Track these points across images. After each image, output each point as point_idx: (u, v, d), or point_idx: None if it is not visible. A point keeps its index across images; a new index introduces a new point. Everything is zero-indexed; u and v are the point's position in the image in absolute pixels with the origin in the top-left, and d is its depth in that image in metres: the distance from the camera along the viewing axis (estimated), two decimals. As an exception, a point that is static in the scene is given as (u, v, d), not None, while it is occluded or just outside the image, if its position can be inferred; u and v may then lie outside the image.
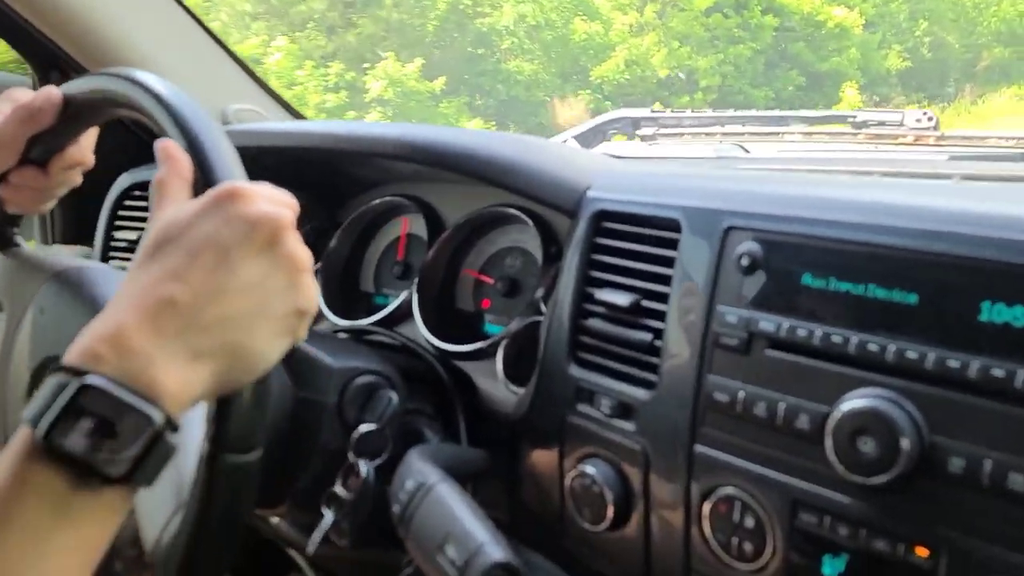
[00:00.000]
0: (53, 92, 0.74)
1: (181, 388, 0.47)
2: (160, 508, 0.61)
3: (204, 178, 0.56)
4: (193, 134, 0.58)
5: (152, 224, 0.53)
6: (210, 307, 0.49)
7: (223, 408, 0.54)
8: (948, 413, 0.54)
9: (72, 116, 0.75)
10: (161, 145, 0.57)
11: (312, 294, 0.55)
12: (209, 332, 0.49)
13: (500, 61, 14.54)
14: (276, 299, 0.52)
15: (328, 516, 0.72)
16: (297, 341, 0.55)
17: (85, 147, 0.82)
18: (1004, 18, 16.52)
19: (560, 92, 14.29)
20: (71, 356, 0.47)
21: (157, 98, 0.62)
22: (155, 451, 0.46)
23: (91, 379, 0.45)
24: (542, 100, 14.21)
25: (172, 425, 0.47)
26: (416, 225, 1.08)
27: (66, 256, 0.92)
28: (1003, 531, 0.51)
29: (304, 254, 0.54)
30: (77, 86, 0.74)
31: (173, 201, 0.54)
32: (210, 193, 0.53)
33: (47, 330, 0.77)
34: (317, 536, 0.72)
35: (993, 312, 0.53)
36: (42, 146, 0.77)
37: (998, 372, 0.52)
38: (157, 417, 0.45)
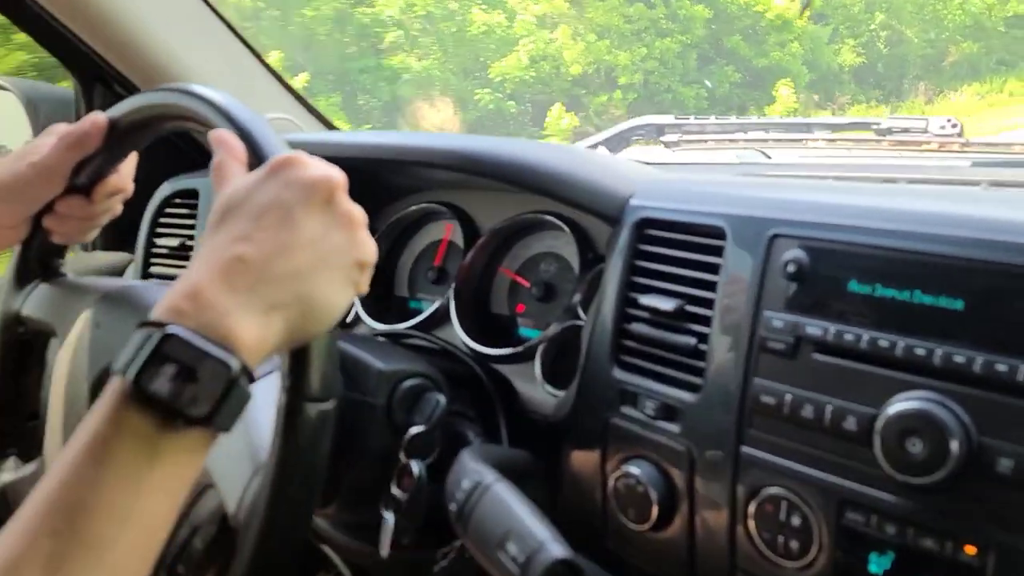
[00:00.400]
0: (99, 116, 0.77)
1: (256, 338, 0.51)
2: (239, 475, 0.64)
3: (257, 156, 0.61)
4: (241, 123, 0.63)
5: (216, 200, 0.58)
6: (278, 262, 0.53)
7: (297, 359, 0.58)
8: (996, 415, 0.56)
9: (118, 139, 0.78)
10: (214, 135, 0.62)
11: (370, 247, 0.59)
12: (279, 285, 0.53)
13: (385, 56, 13.30)
14: (338, 252, 0.57)
15: (389, 518, 0.74)
16: (359, 293, 0.60)
17: (126, 175, 0.85)
18: (970, 11, 15.57)
19: (458, 91, 13.18)
20: (155, 313, 0.51)
21: (203, 100, 0.66)
22: (233, 395, 0.50)
23: (173, 329, 0.49)
24: (439, 99, 13.11)
25: (248, 373, 0.51)
26: (451, 231, 1.11)
27: (108, 279, 0.95)
28: (1051, 529, 0.53)
29: (358, 211, 0.59)
30: (120, 108, 0.77)
31: (232, 178, 0.59)
32: (267, 163, 0.58)
33: (105, 341, 0.80)
34: (385, 538, 0.74)
35: (1039, 317, 0.55)
36: (87, 173, 0.80)
37: (1046, 376, 0.54)
38: (234, 364, 0.49)
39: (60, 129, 0.79)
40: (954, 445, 0.56)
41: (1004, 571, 0.55)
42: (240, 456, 0.65)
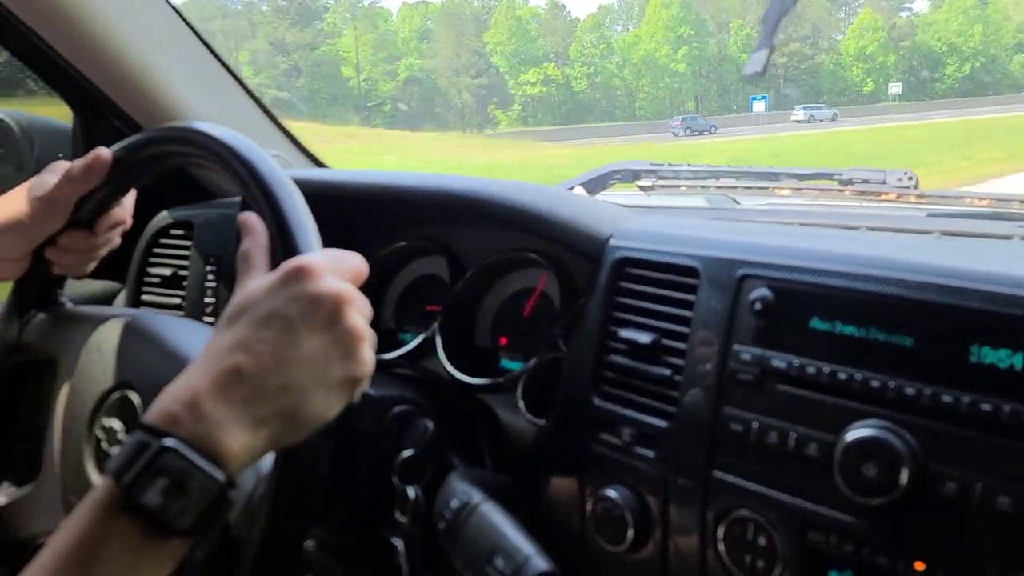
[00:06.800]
0: (103, 152, 0.80)
1: (243, 450, 0.55)
2: (242, 485, 0.67)
3: (283, 247, 0.63)
4: (277, 202, 0.65)
5: (235, 292, 0.61)
6: (272, 377, 0.56)
7: None
8: (943, 442, 0.61)
9: (121, 174, 0.81)
10: (243, 219, 0.65)
11: (368, 364, 0.61)
12: (270, 400, 0.56)
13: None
14: (334, 367, 0.58)
15: (399, 543, 0.78)
16: (351, 403, 0.61)
17: (127, 207, 0.88)
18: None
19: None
20: (152, 415, 0.54)
21: (244, 162, 0.68)
22: (217, 507, 0.53)
23: (169, 442, 0.52)
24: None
25: (232, 483, 0.54)
26: (437, 266, 1.15)
27: (105, 308, 0.97)
28: (992, 547, 0.59)
29: (362, 326, 0.60)
30: (127, 145, 0.80)
31: (255, 270, 0.62)
32: (282, 269, 0.60)
33: (104, 367, 0.83)
34: (403, 563, 0.77)
35: (981, 354, 0.61)
36: (90, 207, 0.83)
37: (986, 407, 0.59)
38: (221, 477, 0.53)
39: (62, 166, 0.82)
40: (904, 469, 0.61)
41: (950, 585, 0.60)
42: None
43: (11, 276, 0.89)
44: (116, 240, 0.90)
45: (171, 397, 0.55)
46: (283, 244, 0.63)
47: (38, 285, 0.91)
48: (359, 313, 0.60)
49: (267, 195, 0.65)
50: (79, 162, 0.80)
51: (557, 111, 65.65)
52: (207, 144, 0.71)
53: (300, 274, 0.59)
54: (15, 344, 0.90)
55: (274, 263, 0.62)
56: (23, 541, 0.88)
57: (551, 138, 37.75)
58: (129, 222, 0.89)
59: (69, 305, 0.93)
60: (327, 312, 0.58)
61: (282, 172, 0.66)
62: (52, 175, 0.82)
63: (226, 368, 0.55)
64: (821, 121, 39.47)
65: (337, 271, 0.61)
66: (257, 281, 0.60)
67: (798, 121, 39.97)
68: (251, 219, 0.65)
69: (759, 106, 42.70)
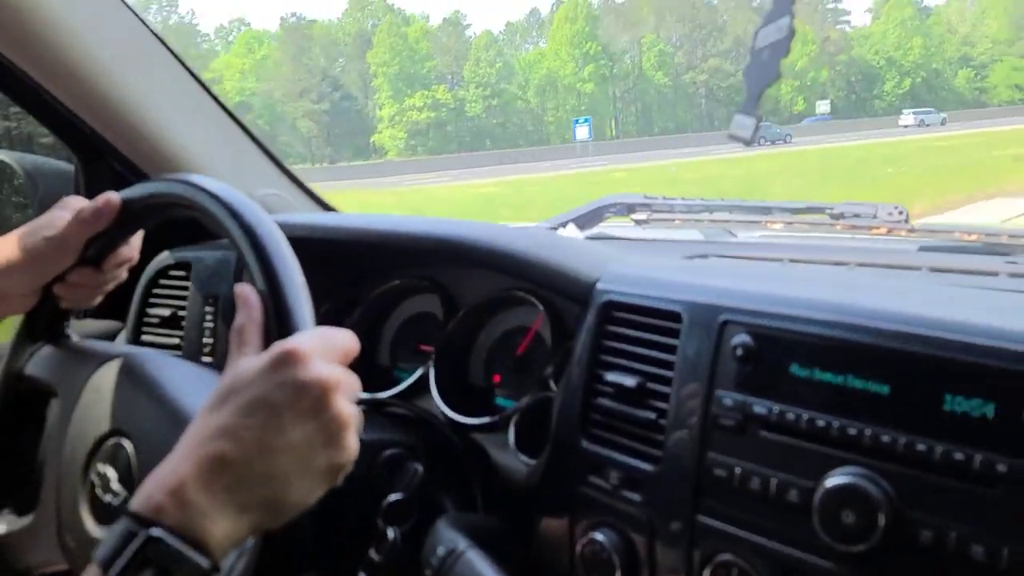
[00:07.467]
0: (112, 196, 0.82)
1: (227, 536, 0.56)
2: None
3: (276, 323, 0.64)
4: (274, 275, 0.66)
5: (226, 370, 0.62)
6: (256, 464, 0.57)
7: None
8: (918, 490, 0.62)
9: (128, 219, 0.83)
10: (239, 291, 0.66)
11: (352, 450, 0.62)
12: (254, 488, 0.57)
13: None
14: (317, 455, 0.59)
15: None
16: (332, 487, 0.62)
17: (134, 246, 0.91)
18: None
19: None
20: (139, 503, 0.55)
21: (244, 226, 0.69)
22: None
23: (155, 532, 0.53)
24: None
25: (216, 569, 0.55)
26: (431, 304, 1.17)
27: (109, 344, 0.99)
28: (967, 594, 0.60)
29: (348, 411, 0.61)
30: (135, 192, 0.83)
31: (247, 347, 0.63)
32: (271, 352, 0.60)
33: (104, 406, 0.84)
34: None
35: (955, 403, 0.62)
36: (98, 246, 0.85)
37: (959, 456, 0.60)
38: (205, 564, 0.54)
39: (74, 203, 0.84)
40: (881, 516, 0.62)
41: (927, 633, 0.61)
42: None
43: (22, 310, 0.91)
44: (123, 275, 0.92)
45: (157, 484, 0.56)
46: (277, 320, 0.64)
47: (47, 318, 0.93)
48: (346, 398, 0.61)
49: (265, 267, 0.66)
50: (90, 204, 0.82)
51: (452, 138, 58.98)
52: (212, 207, 0.72)
53: (289, 359, 0.59)
54: (19, 373, 0.92)
55: (267, 338, 0.63)
56: (21, 573, 0.89)
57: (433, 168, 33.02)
58: (136, 258, 0.92)
59: (75, 339, 0.95)
60: (313, 399, 0.59)
61: (282, 240, 0.67)
62: (64, 211, 0.84)
63: (211, 455, 0.56)
64: (929, 126, 37.24)
65: (326, 353, 0.61)
66: (247, 362, 0.61)
67: (906, 126, 37.41)
68: (246, 292, 0.66)
69: (582, 131, 36.48)
